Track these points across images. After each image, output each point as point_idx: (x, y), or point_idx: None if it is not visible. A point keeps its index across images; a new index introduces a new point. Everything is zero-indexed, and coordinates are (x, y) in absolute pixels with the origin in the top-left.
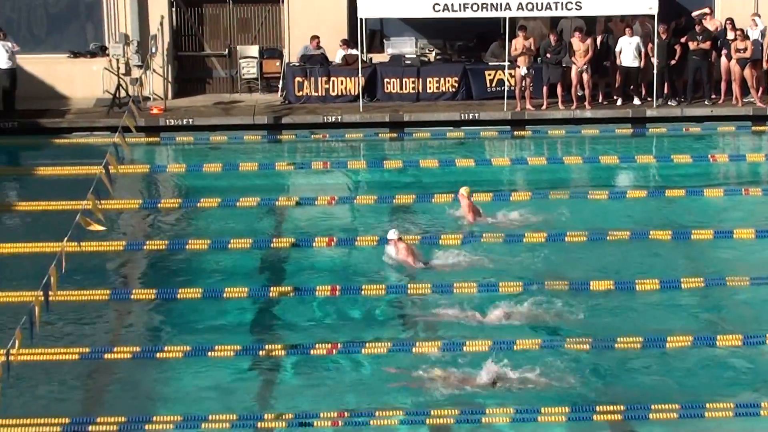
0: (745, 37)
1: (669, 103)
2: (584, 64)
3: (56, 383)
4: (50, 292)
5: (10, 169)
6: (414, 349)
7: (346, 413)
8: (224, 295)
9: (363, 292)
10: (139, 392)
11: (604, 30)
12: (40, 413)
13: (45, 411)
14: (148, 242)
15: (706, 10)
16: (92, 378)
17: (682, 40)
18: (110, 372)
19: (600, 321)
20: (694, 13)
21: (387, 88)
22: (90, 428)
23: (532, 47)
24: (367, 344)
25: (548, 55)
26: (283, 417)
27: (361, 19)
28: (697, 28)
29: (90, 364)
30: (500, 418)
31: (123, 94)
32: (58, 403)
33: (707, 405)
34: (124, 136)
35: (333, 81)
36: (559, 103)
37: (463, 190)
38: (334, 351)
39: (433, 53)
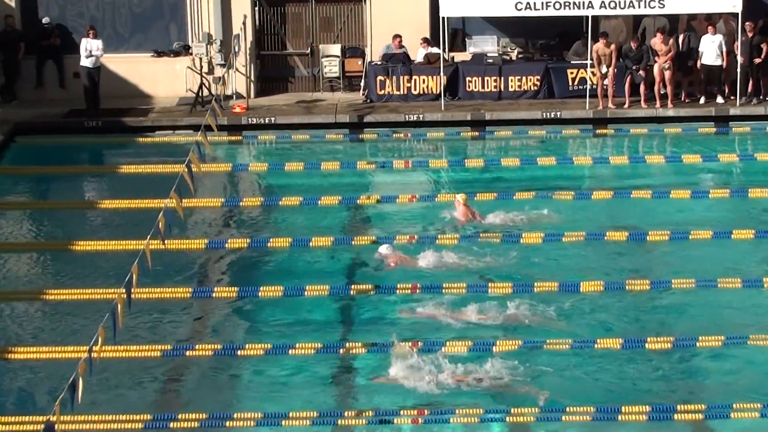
0: None
1: (753, 101)
2: (666, 62)
3: (138, 380)
4: (132, 290)
5: (94, 167)
6: (493, 349)
7: (426, 411)
8: (305, 293)
9: (444, 291)
10: (219, 389)
11: (687, 29)
12: (123, 410)
13: (127, 408)
14: (229, 240)
15: None
16: (174, 375)
17: None
18: (191, 369)
19: (681, 320)
20: None
21: (469, 87)
22: (171, 425)
23: (614, 55)
24: (447, 343)
25: (630, 62)
26: (364, 414)
27: (443, 18)
28: None
29: (172, 361)
30: (581, 416)
31: (206, 92)
32: (140, 400)
33: None
34: (206, 135)
35: (415, 80)
36: (642, 102)
37: (460, 197)
38: (414, 349)
39: (515, 52)
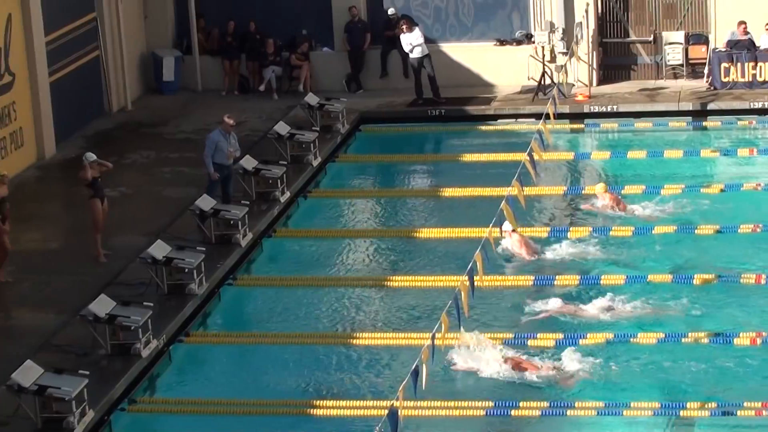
0: None
1: None
2: None
3: (480, 367)
4: (476, 278)
5: (436, 155)
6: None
7: None
8: (647, 280)
9: None
10: (563, 377)
11: None
12: (465, 396)
13: (470, 394)
14: (571, 229)
15: None
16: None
17: None
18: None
19: None
20: None
21: None
22: (512, 412)
23: None
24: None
25: None
26: (706, 406)
27: None
28: None
29: (513, 349)
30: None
31: (548, 81)
32: (483, 387)
33: None
34: (547, 123)
35: (760, 66)
36: None
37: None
38: (758, 341)
39: None
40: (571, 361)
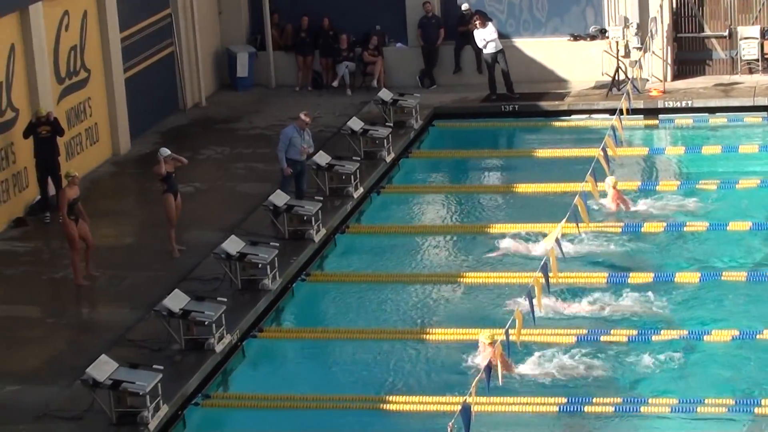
0: None
1: None
2: None
3: (555, 361)
4: (550, 274)
5: (509, 151)
6: None
7: None
8: (722, 277)
9: None
10: (633, 375)
11: None
12: (538, 393)
13: (541, 391)
14: (645, 224)
15: None
16: (587, 359)
17: None
18: (605, 353)
19: None
20: None
21: None
22: (586, 408)
23: None
24: None
25: None
26: None
27: None
28: None
29: (586, 346)
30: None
31: (622, 76)
32: (553, 384)
33: None
34: (621, 119)
35: None
36: None
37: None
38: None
39: None
40: None
